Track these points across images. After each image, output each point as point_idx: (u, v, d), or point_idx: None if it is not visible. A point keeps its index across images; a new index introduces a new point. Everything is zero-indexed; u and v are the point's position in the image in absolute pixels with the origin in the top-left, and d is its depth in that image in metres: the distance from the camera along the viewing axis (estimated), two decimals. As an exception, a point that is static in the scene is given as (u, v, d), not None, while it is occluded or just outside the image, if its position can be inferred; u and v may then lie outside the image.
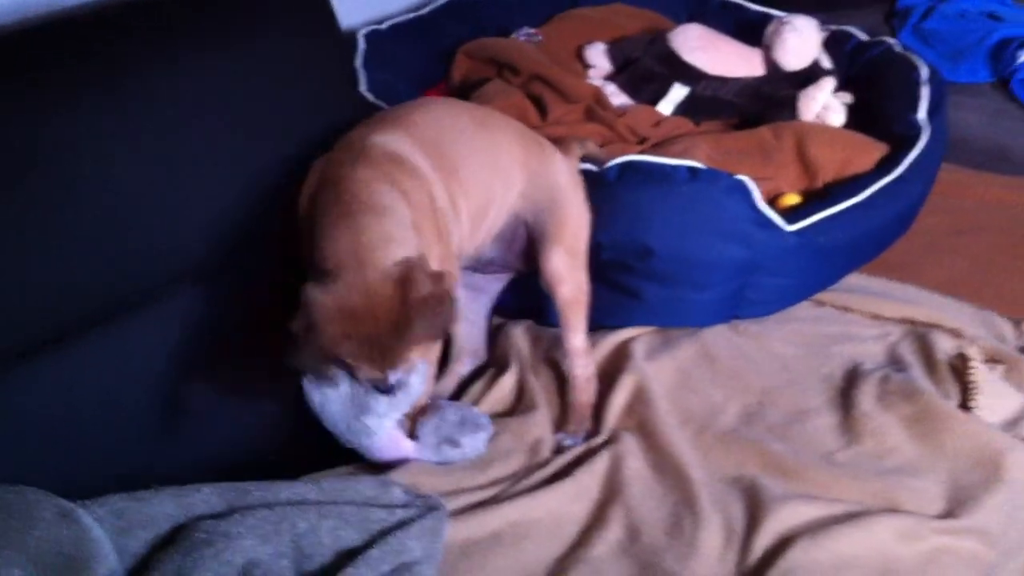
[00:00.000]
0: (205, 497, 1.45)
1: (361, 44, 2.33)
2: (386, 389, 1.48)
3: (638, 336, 1.95)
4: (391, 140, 1.59)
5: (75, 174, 1.53)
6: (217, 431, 1.70)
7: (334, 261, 1.42)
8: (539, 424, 1.79)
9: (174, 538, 1.39)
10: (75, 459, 1.54)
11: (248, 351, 1.65)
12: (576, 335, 1.81)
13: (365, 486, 1.52)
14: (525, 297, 1.96)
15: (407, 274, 1.39)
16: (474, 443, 1.68)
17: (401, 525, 1.44)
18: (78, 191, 1.54)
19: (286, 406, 1.67)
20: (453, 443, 1.66)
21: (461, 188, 1.66)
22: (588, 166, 1.94)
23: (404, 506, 1.50)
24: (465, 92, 2.42)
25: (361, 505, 1.48)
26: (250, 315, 1.71)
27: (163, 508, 1.43)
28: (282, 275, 1.57)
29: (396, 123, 1.65)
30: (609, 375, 1.85)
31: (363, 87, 2.18)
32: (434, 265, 1.47)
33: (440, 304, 1.41)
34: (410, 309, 1.38)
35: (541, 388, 1.87)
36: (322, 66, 1.93)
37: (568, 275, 1.79)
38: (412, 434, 1.68)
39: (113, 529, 1.38)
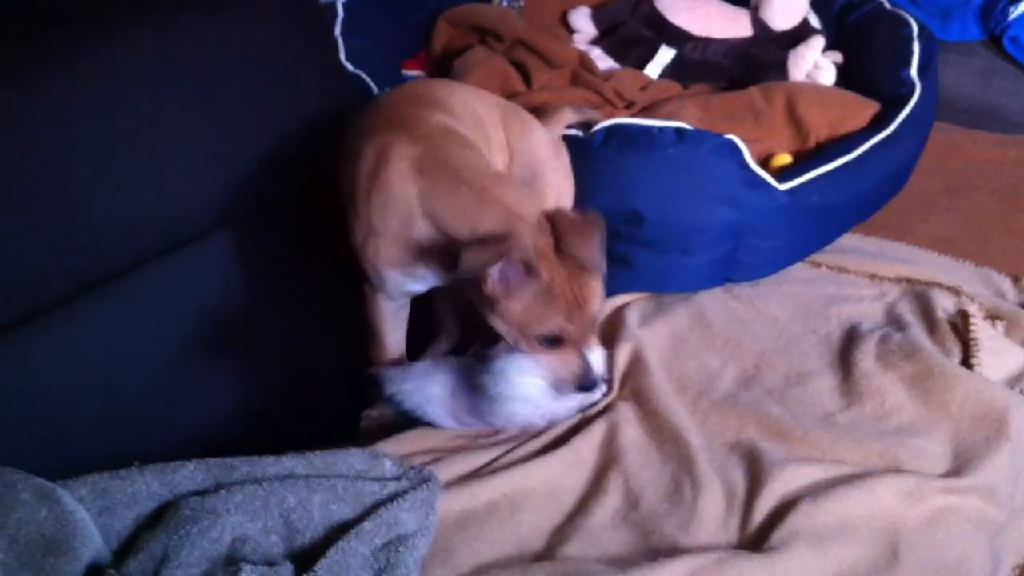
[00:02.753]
0: (190, 473, 1.41)
1: (340, 12, 2.27)
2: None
3: (631, 303, 1.91)
4: (447, 120, 1.61)
5: (37, 151, 1.47)
6: (202, 407, 1.66)
7: (486, 225, 1.43)
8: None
9: (160, 516, 1.36)
10: (58, 437, 1.50)
11: (229, 327, 1.62)
12: None
13: (355, 459, 1.48)
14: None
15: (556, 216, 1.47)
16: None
17: (393, 498, 1.41)
18: (40, 170, 1.48)
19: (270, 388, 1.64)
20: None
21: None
22: (574, 132, 1.90)
23: (396, 478, 1.46)
24: (447, 60, 2.37)
25: (352, 478, 1.44)
26: (230, 292, 1.68)
27: (147, 486, 1.39)
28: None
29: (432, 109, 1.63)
30: (603, 343, 1.81)
31: (342, 56, 2.12)
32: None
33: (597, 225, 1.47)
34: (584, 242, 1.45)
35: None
36: (300, 35, 1.87)
37: None
38: None
39: (96, 509, 1.35)
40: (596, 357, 1.57)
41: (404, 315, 1.74)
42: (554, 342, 1.50)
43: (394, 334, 1.74)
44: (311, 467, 1.45)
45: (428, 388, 1.63)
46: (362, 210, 1.54)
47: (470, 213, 1.45)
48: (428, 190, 1.48)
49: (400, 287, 1.62)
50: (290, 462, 1.45)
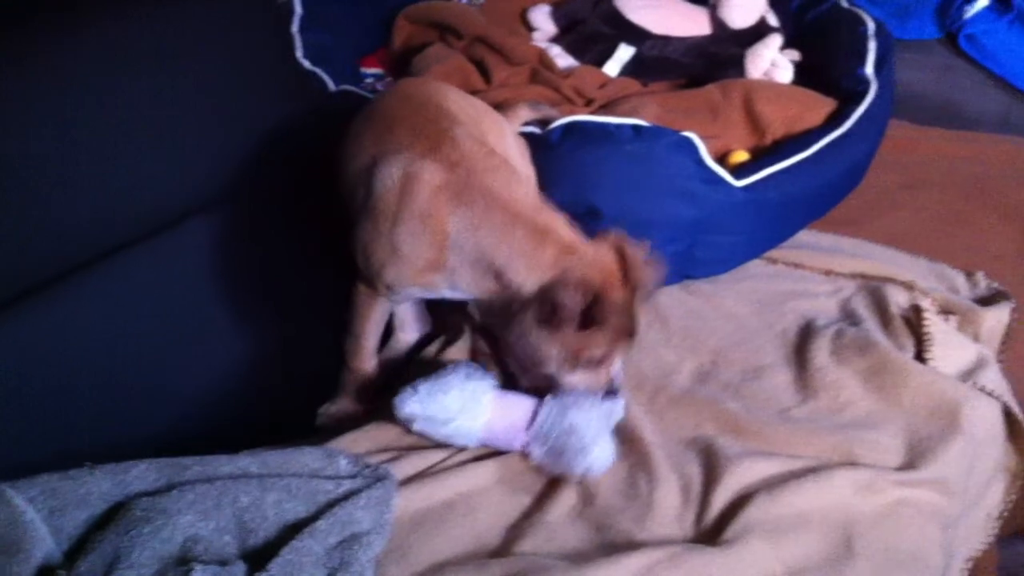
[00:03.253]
0: (141, 473, 1.39)
1: (298, 9, 2.26)
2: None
3: (591, 299, 1.90)
4: (464, 132, 1.57)
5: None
6: (179, 395, 1.66)
7: (543, 265, 1.43)
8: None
9: (111, 517, 1.33)
10: (10, 435, 1.49)
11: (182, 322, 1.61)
12: None
13: (309, 458, 1.47)
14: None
15: (620, 244, 1.48)
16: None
17: (348, 496, 1.40)
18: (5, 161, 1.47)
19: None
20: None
21: None
22: (532, 129, 1.90)
23: (351, 476, 1.45)
24: (407, 57, 2.37)
25: (306, 477, 1.43)
26: (195, 281, 1.68)
27: (98, 486, 1.37)
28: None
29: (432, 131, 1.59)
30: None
31: (299, 53, 2.11)
32: None
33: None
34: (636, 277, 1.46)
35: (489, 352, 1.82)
36: (255, 32, 1.86)
37: None
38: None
39: (47, 509, 1.33)
40: (617, 367, 1.57)
41: (387, 315, 1.72)
42: (599, 363, 1.50)
43: (375, 337, 1.72)
44: (265, 466, 1.43)
45: (464, 423, 1.52)
46: (386, 233, 1.50)
47: (524, 253, 1.44)
48: (470, 224, 1.46)
49: (411, 296, 1.60)
50: (243, 461, 1.43)
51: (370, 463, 1.49)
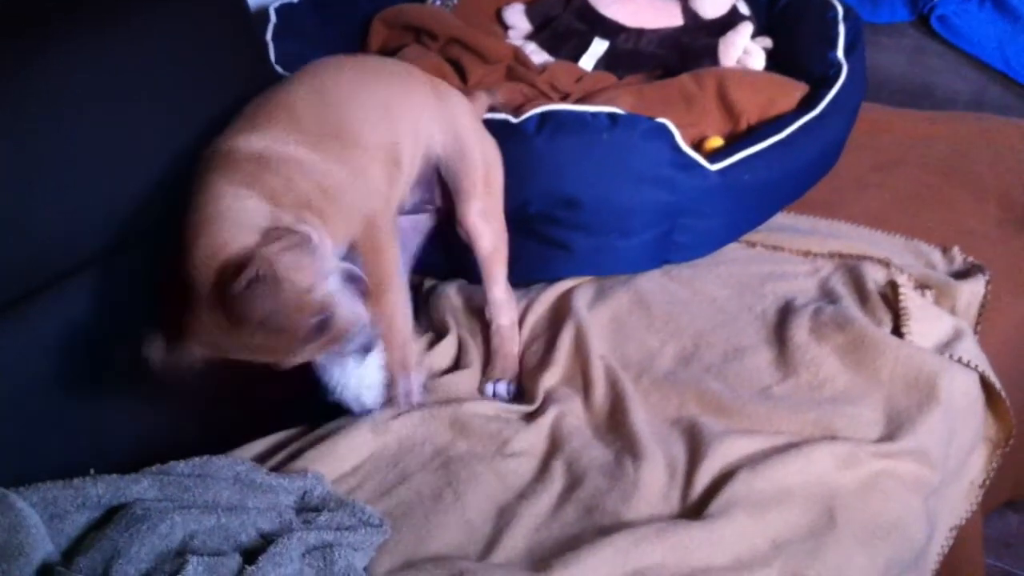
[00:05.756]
0: (143, 490, 1.42)
1: (272, 17, 2.27)
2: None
3: (576, 287, 1.93)
4: (255, 139, 1.56)
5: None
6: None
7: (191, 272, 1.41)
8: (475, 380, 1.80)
9: (110, 519, 1.37)
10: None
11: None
12: (498, 286, 1.83)
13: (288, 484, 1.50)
14: (452, 256, 1.95)
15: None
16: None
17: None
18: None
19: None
20: None
21: (363, 151, 1.65)
22: (506, 116, 1.92)
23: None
24: (383, 59, 2.38)
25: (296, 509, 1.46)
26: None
27: (100, 498, 1.40)
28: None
29: (266, 116, 1.61)
30: (551, 327, 1.85)
31: (273, 60, 2.13)
32: (339, 239, 1.52)
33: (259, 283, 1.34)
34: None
35: (476, 346, 1.86)
36: (226, 40, 1.87)
37: (485, 228, 1.80)
38: None
39: (47, 516, 1.36)
40: None
41: None
42: None
43: None
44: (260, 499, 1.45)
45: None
46: None
47: None
48: None
49: None
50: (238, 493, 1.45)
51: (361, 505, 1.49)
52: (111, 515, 1.37)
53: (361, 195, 1.61)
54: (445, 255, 1.98)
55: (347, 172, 1.61)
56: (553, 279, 1.94)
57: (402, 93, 1.79)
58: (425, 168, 1.81)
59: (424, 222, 1.94)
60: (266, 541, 1.35)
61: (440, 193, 1.87)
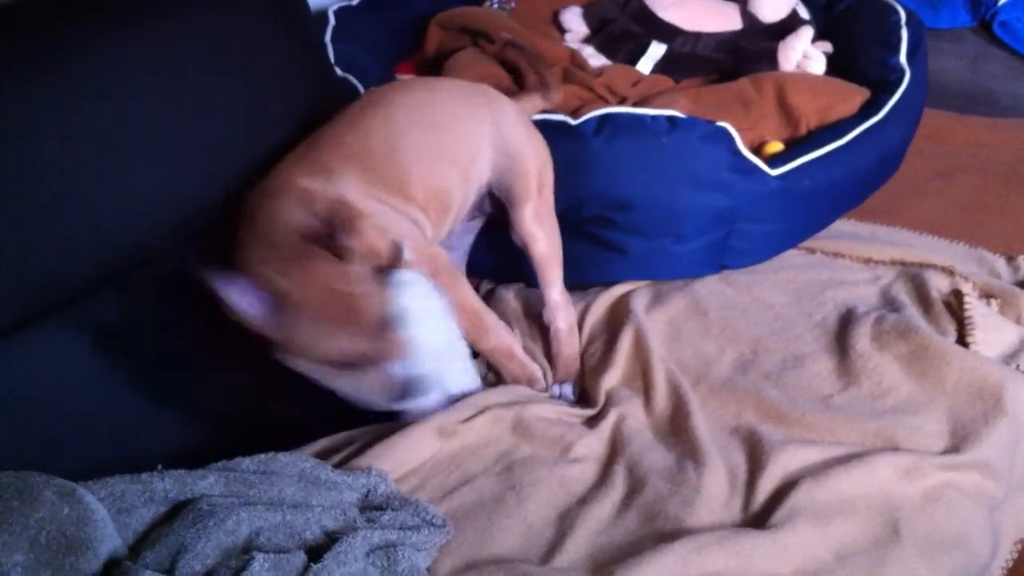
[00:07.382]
0: (209, 486, 1.42)
1: (331, 20, 2.30)
2: None
3: (633, 291, 1.93)
4: (331, 187, 1.59)
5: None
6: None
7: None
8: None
9: (176, 514, 1.37)
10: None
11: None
12: (554, 289, 1.83)
13: (352, 481, 1.49)
14: (504, 257, 1.94)
15: None
16: None
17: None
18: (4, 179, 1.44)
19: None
20: None
21: (413, 198, 1.68)
22: (564, 118, 1.91)
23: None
24: (439, 62, 2.39)
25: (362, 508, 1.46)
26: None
27: (167, 493, 1.40)
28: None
29: (342, 159, 1.63)
30: (609, 330, 1.85)
31: (332, 60, 2.14)
32: None
33: None
34: None
35: (537, 350, 1.86)
36: (288, 40, 1.87)
37: (539, 231, 1.80)
38: None
39: (114, 510, 1.36)
40: None
41: None
42: None
43: None
44: (325, 496, 1.45)
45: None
46: None
47: None
48: None
49: None
50: (303, 490, 1.45)
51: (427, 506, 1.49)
52: (177, 510, 1.38)
53: (420, 244, 1.64)
54: (495, 257, 1.99)
55: (407, 223, 1.65)
56: (609, 282, 1.93)
57: (464, 135, 1.78)
58: (477, 198, 1.83)
59: (473, 225, 1.95)
60: (330, 539, 1.35)
61: (490, 201, 1.87)
